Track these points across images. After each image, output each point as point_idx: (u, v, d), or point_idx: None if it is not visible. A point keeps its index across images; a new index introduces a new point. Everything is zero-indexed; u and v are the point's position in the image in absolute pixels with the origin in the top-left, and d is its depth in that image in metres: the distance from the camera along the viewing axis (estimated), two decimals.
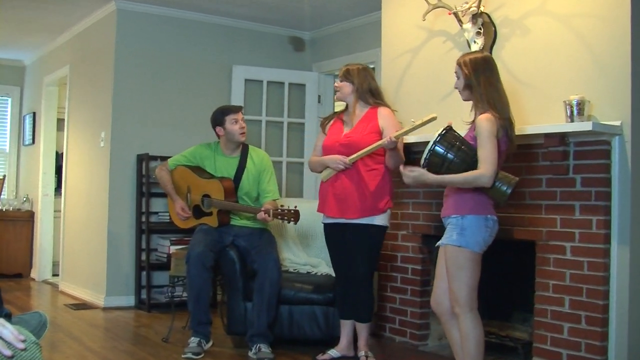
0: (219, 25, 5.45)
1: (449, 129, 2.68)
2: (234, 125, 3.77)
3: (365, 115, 3.37)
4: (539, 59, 3.26)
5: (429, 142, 2.68)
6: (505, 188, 2.64)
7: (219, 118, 3.82)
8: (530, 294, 3.22)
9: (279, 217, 3.52)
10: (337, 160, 3.30)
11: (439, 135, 2.65)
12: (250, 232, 3.78)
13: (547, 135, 3.03)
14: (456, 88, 2.83)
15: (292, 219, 3.48)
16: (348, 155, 3.29)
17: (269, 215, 3.53)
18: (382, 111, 3.36)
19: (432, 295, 2.87)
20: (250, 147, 3.93)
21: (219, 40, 5.45)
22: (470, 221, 2.67)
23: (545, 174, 3.14)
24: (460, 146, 2.66)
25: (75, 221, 5.73)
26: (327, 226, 3.47)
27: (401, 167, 2.79)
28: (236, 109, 3.83)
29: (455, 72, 2.81)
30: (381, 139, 3.26)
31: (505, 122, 2.66)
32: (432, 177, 2.69)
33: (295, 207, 3.51)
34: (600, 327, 2.92)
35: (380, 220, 3.33)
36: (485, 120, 2.63)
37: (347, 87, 3.39)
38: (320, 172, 3.44)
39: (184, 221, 3.88)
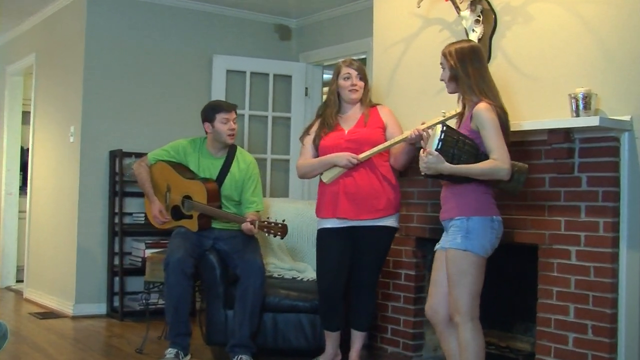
0: (198, 12, 5.43)
1: (446, 126, 2.69)
2: (223, 125, 3.75)
3: (364, 113, 3.39)
4: (542, 49, 3.25)
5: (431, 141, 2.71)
6: (522, 177, 2.70)
7: (209, 114, 3.79)
8: (533, 301, 3.21)
9: (265, 230, 3.52)
10: (348, 156, 3.24)
11: (441, 132, 2.66)
12: (232, 235, 3.77)
13: (551, 131, 3.02)
14: (442, 80, 2.85)
15: (278, 233, 3.49)
16: (354, 152, 3.26)
17: (255, 227, 3.53)
18: (382, 109, 3.43)
19: (427, 303, 2.86)
20: (239, 149, 3.92)
21: (198, 27, 5.45)
22: (476, 223, 2.67)
23: (548, 173, 3.14)
24: (464, 140, 2.68)
25: (42, 222, 5.69)
26: (332, 231, 3.32)
27: (421, 151, 2.75)
28: (229, 108, 3.80)
29: (441, 64, 2.83)
30: (385, 135, 3.29)
31: (500, 111, 2.70)
32: (448, 165, 2.66)
33: (283, 221, 3.51)
34: (608, 338, 2.91)
35: (393, 221, 3.35)
36: (486, 110, 2.65)
37: (362, 88, 3.39)
38: (315, 175, 3.39)
39: (161, 224, 3.86)
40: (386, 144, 3.23)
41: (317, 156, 3.38)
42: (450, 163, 2.65)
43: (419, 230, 3.77)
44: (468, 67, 2.73)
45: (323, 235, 3.38)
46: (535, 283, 3.18)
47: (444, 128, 2.67)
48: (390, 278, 3.92)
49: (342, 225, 3.31)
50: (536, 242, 3.16)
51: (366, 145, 3.25)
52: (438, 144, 2.66)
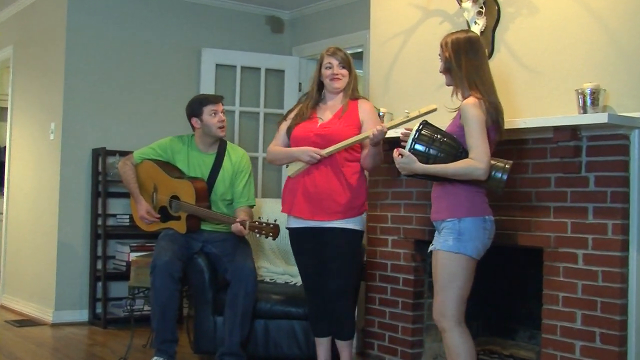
0: (186, 3, 5.42)
1: (425, 124, 2.73)
2: (212, 117, 3.76)
3: (344, 106, 3.36)
4: (548, 42, 3.24)
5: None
6: (500, 175, 2.69)
7: (195, 108, 3.80)
8: (538, 307, 3.21)
9: (256, 231, 3.51)
10: (310, 152, 3.23)
11: (416, 131, 2.70)
12: (222, 238, 3.78)
13: (557, 129, 3.01)
14: (440, 72, 2.88)
15: (270, 234, 3.47)
16: (322, 148, 3.24)
17: (245, 228, 3.53)
18: (363, 104, 3.36)
19: (433, 306, 2.86)
20: (229, 144, 3.94)
21: (186, 19, 5.44)
22: (468, 224, 2.69)
23: (554, 172, 3.13)
24: (442, 139, 2.70)
25: (20, 225, 5.67)
26: (293, 232, 3.37)
27: (394, 151, 2.78)
28: (216, 99, 3.83)
29: (439, 55, 2.86)
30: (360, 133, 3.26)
31: (490, 107, 2.70)
32: (420, 166, 2.70)
33: (275, 221, 3.50)
34: (618, 347, 2.90)
35: (357, 224, 3.31)
36: (471, 106, 2.67)
37: (347, 76, 3.38)
38: (282, 164, 3.41)
39: (149, 224, 3.85)
40: (348, 140, 3.20)
41: (288, 144, 3.39)
42: (427, 162, 2.68)
43: (417, 233, 3.77)
44: (462, 59, 2.75)
45: (291, 235, 3.40)
46: (540, 288, 3.17)
47: (420, 127, 2.70)
48: (388, 283, 3.91)
49: (303, 226, 3.32)
50: (541, 245, 3.15)
51: (335, 142, 3.23)
52: (412, 143, 2.70)
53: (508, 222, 3.18)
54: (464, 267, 2.68)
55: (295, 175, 3.33)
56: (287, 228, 3.41)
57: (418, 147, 2.69)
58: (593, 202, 2.99)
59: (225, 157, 3.83)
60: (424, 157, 2.68)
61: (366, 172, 3.41)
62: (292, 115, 3.45)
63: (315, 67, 3.46)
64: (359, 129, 3.30)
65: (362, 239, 3.41)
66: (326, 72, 3.36)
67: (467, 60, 2.75)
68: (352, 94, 3.38)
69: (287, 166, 3.44)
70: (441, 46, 2.83)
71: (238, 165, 3.84)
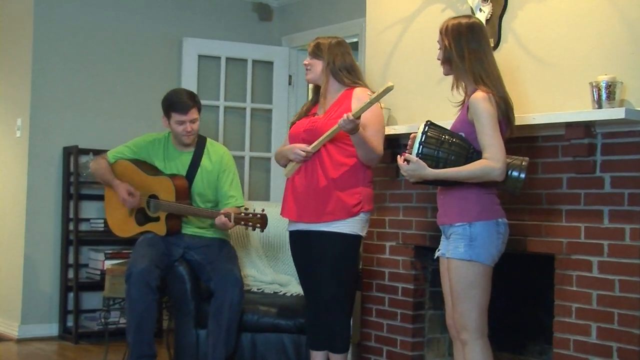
0: None
1: (429, 125, 2.72)
2: (178, 126, 3.78)
3: (339, 97, 3.38)
4: (559, 31, 3.24)
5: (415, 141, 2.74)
6: (517, 174, 2.70)
7: (164, 109, 3.83)
8: (549, 320, 3.21)
9: (243, 222, 3.51)
10: (295, 148, 3.29)
11: (421, 134, 2.70)
12: (206, 244, 3.79)
13: (569, 125, 3.02)
14: (438, 59, 2.89)
15: (258, 225, 3.47)
16: (310, 144, 3.28)
17: (230, 220, 3.51)
18: (357, 92, 3.37)
19: (447, 314, 2.89)
20: (209, 140, 3.95)
21: (165, 6, 5.43)
22: (480, 229, 2.69)
23: (566, 172, 3.13)
24: (450, 140, 2.70)
25: None
26: (291, 235, 3.47)
27: (398, 157, 2.78)
28: (184, 108, 3.75)
29: (438, 41, 2.86)
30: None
31: (500, 101, 2.71)
32: (431, 171, 2.69)
33: (263, 210, 3.50)
34: None
35: (350, 227, 3.29)
36: (481, 100, 2.67)
37: (318, 65, 3.41)
38: (284, 165, 3.46)
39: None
40: (326, 134, 3.22)
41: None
42: (436, 167, 2.68)
43: (418, 238, 3.76)
44: (464, 48, 2.75)
45: (290, 238, 3.48)
46: (551, 298, 3.17)
47: (426, 129, 2.70)
48: (385, 293, 3.90)
49: (294, 229, 3.39)
50: (552, 252, 3.15)
51: (320, 136, 3.26)
52: (419, 148, 2.69)
53: (516, 226, 3.17)
54: (479, 275, 2.69)
55: (290, 175, 3.38)
56: (289, 231, 3.49)
57: (426, 150, 2.68)
58: (609, 204, 2.98)
59: (204, 155, 3.84)
60: (432, 161, 2.68)
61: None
62: (294, 118, 3.56)
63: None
64: None
65: (358, 243, 3.40)
66: None
67: (469, 51, 2.74)
68: (350, 82, 3.37)
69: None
70: (440, 32, 2.82)
71: (219, 164, 3.84)
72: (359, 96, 3.32)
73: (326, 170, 3.27)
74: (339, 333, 3.34)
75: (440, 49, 2.85)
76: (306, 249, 3.35)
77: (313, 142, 3.27)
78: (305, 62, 3.46)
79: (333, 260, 3.28)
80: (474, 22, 2.83)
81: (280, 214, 3.45)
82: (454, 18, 2.86)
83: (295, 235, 3.42)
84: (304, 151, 3.26)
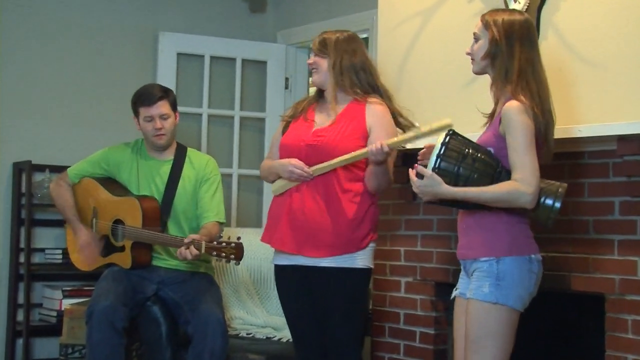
0: None
1: (452, 134, 2.73)
2: (146, 123, 3.83)
3: (348, 107, 3.37)
4: (610, 26, 3.24)
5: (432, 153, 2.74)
6: (551, 202, 2.69)
7: (133, 106, 3.90)
8: None
9: (215, 253, 3.45)
10: (291, 166, 3.25)
11: (441, 145, 2.70)
12: (183, 279, 3.81)
13: (622, 138, 3.02)
14: (468, 54, 2.89)
15: (231, 256, 3.43)
16: (314, 162, 3.25)
17: (198, 249, 3.45)
18: (372, 106, 3.35)
19: None
20: (190, 149, 4.00)
21: None
22: (510, 266, 2.69)
23: (619, 196, 3.14)
24: (475, 155, 2.70)
25: None
26: (277, 269, 3.44)
27: (410, 171, 2.79)
28: (150, 100, 3.82)
29: (475, 33, 2.85)
30: (367, 145, 3.25)
31: (540, 117, 2.71)
32: (447, 189, 2.69)
33: (238, 238, 3.47)
34: None
35: (362, 260, 3.31)
36: (518, 110, 2.67)
37: (324, 65, 3.41)
38: (272, 181, 3.43)
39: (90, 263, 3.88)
40: (340, 158, 3.21)
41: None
42: (455, 184, 2.67)
43: (439, 273, 3.77)
44: (515, 47, 2.74)
45: (276, 273, 3.47)
46: (601, 347, 3.16)
47: (447, 139, 2.69)
48: (400, 338, 3.91)
49: (288, 264, 3.35)
50: (602, 291, 3.15)
51: (329, 157, 3.24)
52: (437, 161, 2.69)
53: (557, 260, 3.18)
54: (504, 321, 2.67)
55: (281, 193, 3.33)
56: (275, 266, 3.44)
57: (444, 165, 2.67)
58: None
59: (185, 164, 3.88)
60: (451, 179, 2.68)
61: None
62: (289, 112, 3.52)
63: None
64: (364, 139, 3.29)
65: (368, 279, 3.41)
66: None
67: (522, 51, 2.74)
68: (362, 88, 3.34)
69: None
70: (486, 23, 2.80)
71: (203, 171, 3.89)
72: (375, 111, 3.31)
73: (338, 195, 3.26)
74: None
75: (477, 41, 2.82)
76: (304, 287, 3.33)
77: (316, 160, 3.24)
78: (310, 60, 3.46)
79: (343, 299, 3.27)
80: (527, 19, 2.84)
81: (267, 242, 3.40)
82: (502, 11, 2.86)
83: (287, 271, 3.37)
84: (305, 172, 3.23)
